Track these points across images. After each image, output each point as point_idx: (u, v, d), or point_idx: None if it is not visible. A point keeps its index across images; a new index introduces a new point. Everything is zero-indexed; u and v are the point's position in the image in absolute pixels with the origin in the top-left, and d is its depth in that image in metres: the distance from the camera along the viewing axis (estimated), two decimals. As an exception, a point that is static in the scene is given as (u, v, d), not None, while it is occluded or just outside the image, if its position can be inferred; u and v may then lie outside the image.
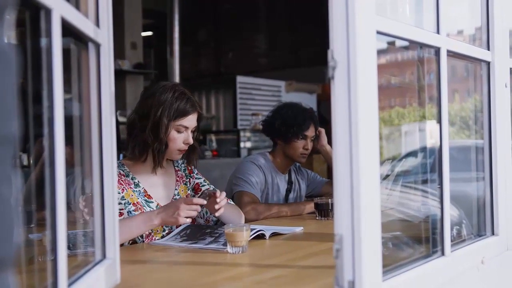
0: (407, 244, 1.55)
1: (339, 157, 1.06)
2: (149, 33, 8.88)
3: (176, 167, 2.23)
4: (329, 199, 2.46)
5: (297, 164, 2.93)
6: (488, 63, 1.69)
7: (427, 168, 1.73)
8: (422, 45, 1.47)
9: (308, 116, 2.77)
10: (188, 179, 2.24)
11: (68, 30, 1.01)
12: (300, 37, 8.79)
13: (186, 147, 2.09)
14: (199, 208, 1.83)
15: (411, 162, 2.13)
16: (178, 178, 2.21)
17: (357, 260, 1.04)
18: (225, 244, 1.73)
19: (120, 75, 6.71)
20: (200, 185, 2.25)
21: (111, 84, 1.27)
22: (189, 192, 2.22)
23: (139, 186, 2.07)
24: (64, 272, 0.91)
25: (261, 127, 2.95)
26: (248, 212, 2.52)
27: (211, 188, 2.25)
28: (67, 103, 0.98)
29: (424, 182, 1.77)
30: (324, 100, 7.54)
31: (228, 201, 2.29)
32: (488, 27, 1.68)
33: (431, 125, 1.65)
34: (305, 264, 1.61)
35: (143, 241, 1.97)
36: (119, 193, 1.96)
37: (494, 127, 1.68)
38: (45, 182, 0.91)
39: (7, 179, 0.49)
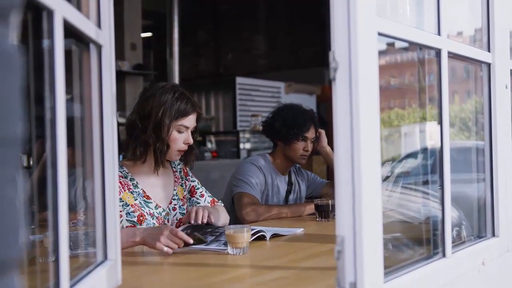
0: (407, 246, 1.55)
1: (341, 159, 1.06)
2: (149, 34, 8.88)
3: (173, 168, 2.25)
4: (330, 200, 2.46)
5: (297, 165, 2.93)
6: (489, 65, 1.69)
7: (428, 169, 1.73)
8: (423, 47, 1.47)
9: (308, 117, 2.77)
10: (183, 181, 2.26)
11: (70, 31, 1.01)
12: (300, 38, 8.79)
13: (186, 147, 2.10)
14: (181, 243, 1.71)
15: (411, 164, 2.13)
16: (176, 179, 2.23)
17: (359, 261, 1.04)
18: (226, 243, 1.73)
19: (119, 76, 6.71)
20: (195, 188, 2.28)
21: (113, 85, 1.27)
22: (185, 193, 2.24)
23: (138, 187, 2.08)
24: (66, 273, 0.91)
25: (261, 128, 2.95)
26: (248, 213, 2.52)
27: (204, 191, 2.28)
28: (68, 104, 0.98)
29: (425, 183, 1.77)
30: (324, 102, 7.54)
31: (217, 203, 2.31)
32: (488, 28, 1.68)
33: (431, 127, 1.65)
34: (306, 265, 1.61)
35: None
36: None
37: (495, 129, 1.68)
38: (45, 183, 0.91)
39: (12, 180, 0.49)
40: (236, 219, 2.59)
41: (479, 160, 1.78)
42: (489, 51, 1.69)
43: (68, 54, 0.99)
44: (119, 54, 6.83)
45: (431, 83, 1.58)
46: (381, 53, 1.13)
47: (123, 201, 2.00)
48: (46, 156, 0.92)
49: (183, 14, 7.01)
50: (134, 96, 6.77)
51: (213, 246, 1.79)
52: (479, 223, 1.72)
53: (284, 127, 2.73)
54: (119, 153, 2.81)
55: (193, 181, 2.29)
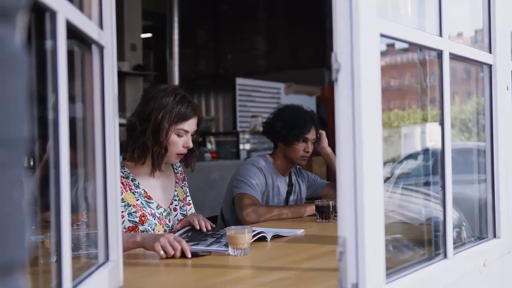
0: (409, 247, 1.55)
1: (343, 160, 1.06)
2: (149, 34, 8.88)
3: (174, 169, 2.25)
4: (330, 201, 2.46)
5: (298, 166, 2.93)
6: (490, 66, 1.69)
7: (428, 170, 1.74)
8: (425, 48, 1.47)
9: (309, 118, 2.77)
10: (183, 184, 2.28)
11: (72, 32, 1.01)
12: (299, 39, 8.79)
13: (185, 151, 2.10)
14: (178, 250, 1.69)
15: (411, 165, 2.13)
16: (177, 180, 2.23)
17: (361, 262, 1.04)
18: (227, 245, 1.73)
19: (119, 77, 6.68)
20: (186, 195, 2.27)
21: (114, 86, 1.27)
22: (185, 195, 2.26)
23: (139, 188, 2.08)
24: (68, 274, 0.91)
25: (261, 129, 2.95)
26: (249, 214, 2.52)
27: (190, 200, 2.29)
28: (70, 104, 0.98)
29: (425, 184, 1.77)
30: (323, 102, 7.54)
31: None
32: (489, 29, 1.68)
33: (431, 128, 1.65)
34: (307, 266, 1.61)
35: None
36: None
37: (496, 130, 1.68)
38: (46, 183, 0.91)
39: (19, 182, 0.49)
40: (236, 220, 2.59)
41: (479, 161, 1.78)
42: (490, 52, 1.69)
43: (69, 55, 1.00)
44: (119, 55, 6.80)
45: (431, 84, 1.58)
46: (381, 54, 1.13)
47: (125, 202, 2.00)
48: (47, 156, 0.92)
49: (183, 15, 7.01)
50: (133, 97, 6.76)
51: (214, 247, 1.79)
52: (480, 224, 1.72)
53: (284, 128, 2.73)
54: (120, 154, 2.82)
55: (187, 188, 2.30)
